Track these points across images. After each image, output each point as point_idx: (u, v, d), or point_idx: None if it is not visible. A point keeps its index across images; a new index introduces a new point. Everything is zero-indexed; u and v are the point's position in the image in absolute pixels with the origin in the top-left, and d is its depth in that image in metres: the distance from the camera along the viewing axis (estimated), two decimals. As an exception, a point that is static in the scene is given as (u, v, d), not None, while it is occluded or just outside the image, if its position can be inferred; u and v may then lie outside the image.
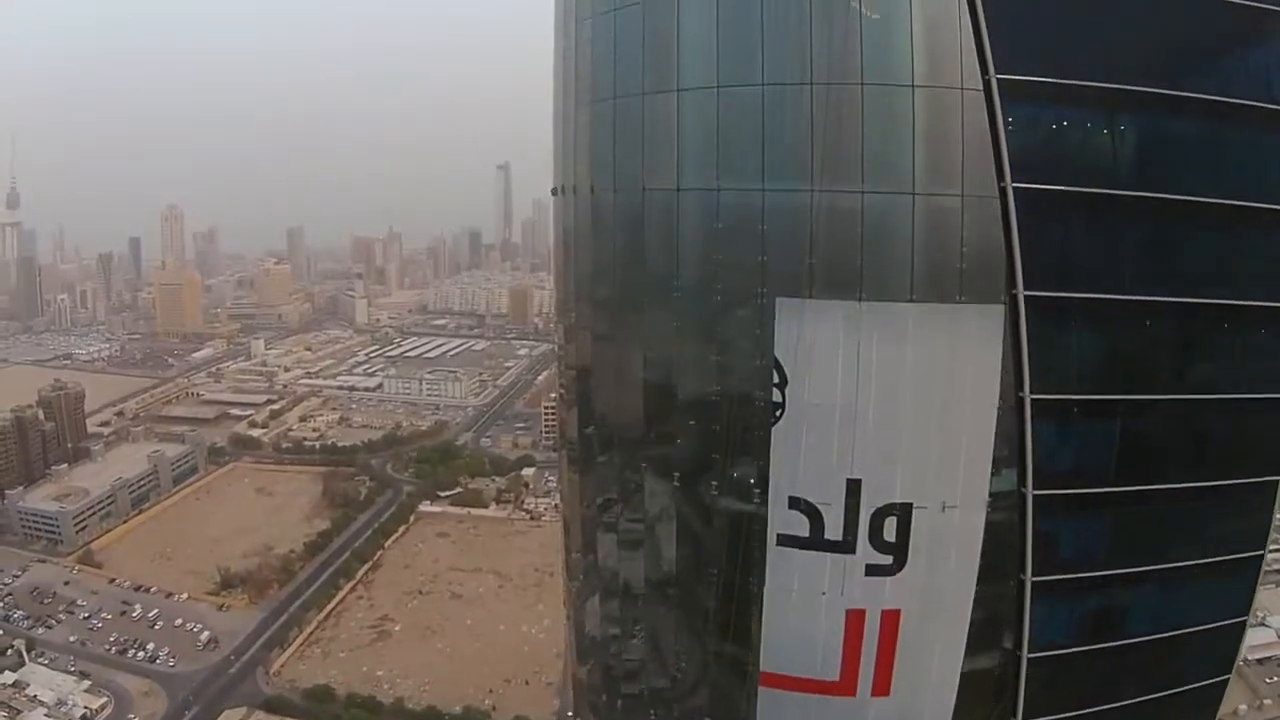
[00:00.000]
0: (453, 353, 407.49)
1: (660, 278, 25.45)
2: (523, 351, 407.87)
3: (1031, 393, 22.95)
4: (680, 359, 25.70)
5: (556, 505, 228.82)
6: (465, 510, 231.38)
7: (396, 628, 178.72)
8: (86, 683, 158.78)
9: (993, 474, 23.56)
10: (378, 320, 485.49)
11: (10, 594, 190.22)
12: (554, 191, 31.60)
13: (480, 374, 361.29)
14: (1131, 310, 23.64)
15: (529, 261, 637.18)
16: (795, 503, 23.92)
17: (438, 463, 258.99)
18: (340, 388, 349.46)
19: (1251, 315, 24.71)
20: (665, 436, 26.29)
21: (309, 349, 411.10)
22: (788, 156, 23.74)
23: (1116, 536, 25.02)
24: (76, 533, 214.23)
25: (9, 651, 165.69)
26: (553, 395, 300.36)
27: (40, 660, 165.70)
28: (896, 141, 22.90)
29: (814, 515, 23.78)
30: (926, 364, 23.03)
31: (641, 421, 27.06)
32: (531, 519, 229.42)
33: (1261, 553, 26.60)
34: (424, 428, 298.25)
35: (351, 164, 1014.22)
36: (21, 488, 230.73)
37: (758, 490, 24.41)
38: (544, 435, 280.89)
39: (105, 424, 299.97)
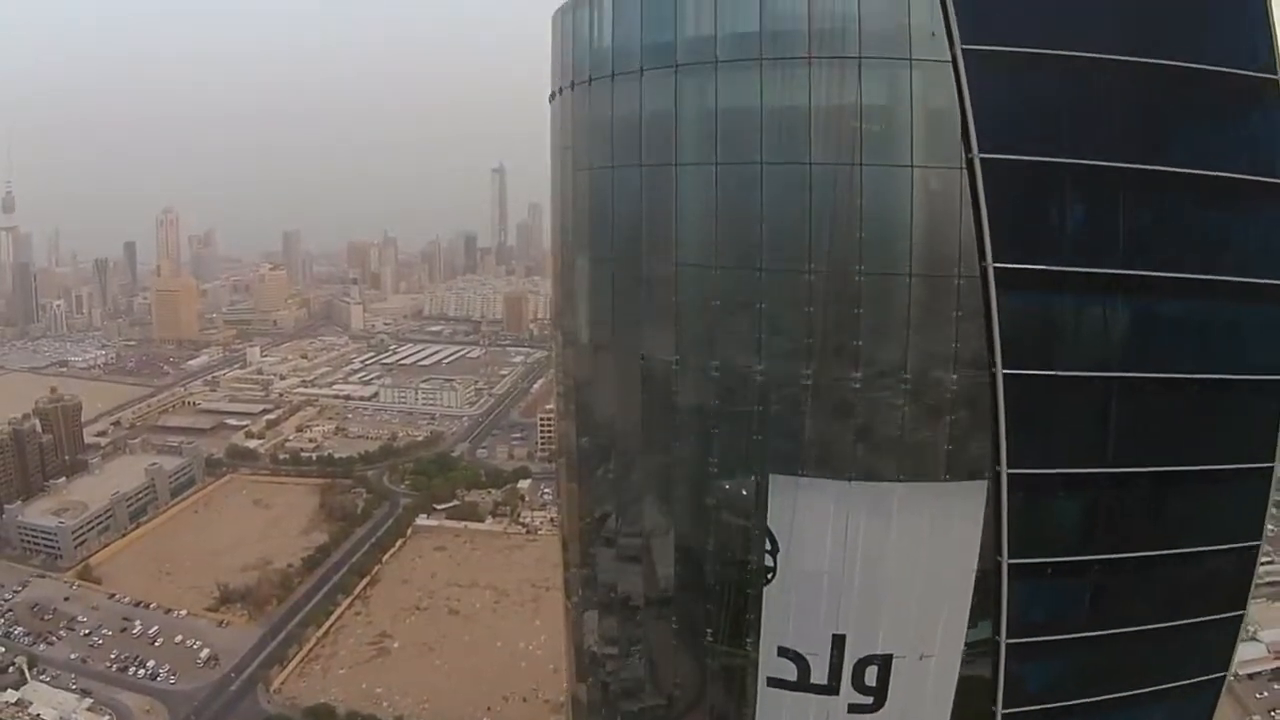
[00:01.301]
0: (448, 360, 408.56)
1: (659, 447, 27.49)
2: (518, 359, 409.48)
3: (1010, 558, 24.60)
4: (678, 525, 27.82)
5: (553, 519, 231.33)
6: (462, 524, 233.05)
7: (395, 644, 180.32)
8: (89, 700, 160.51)
9: (969, 625, 25.48)
10: (373, 326, 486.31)
11: (10, 610, 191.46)
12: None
13: (476, 382, 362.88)
14: (1111, 481, 25.38)
15: (524, 265, 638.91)
16: (784, 651, 26.05)
17: (434, 475, 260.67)
18: (336, 396, 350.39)
19: (1216, 476, 26.53)
20: (662, 592, 28.37)
21: (305, 356, 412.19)
22: (785, 340, 25.61)
23: (1082, 673, 26.83)
24: (75, 547, 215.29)
25: (10, 669, 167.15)
26: (548, 407, 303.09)
27: (42, 678, 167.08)
28: (892, 329, 24.72)
29: (801, 663, 25.90)
30: (911, 537, 24.91)
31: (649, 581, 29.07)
32: (528, 533, 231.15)
33: (1223, 674, 28.34)
34: (420, 438, 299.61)
35: (347, 165, 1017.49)
36: (20, 501, 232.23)
37: (750, 639, 26.45)
38: (539, 446, 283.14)
39: (102, 434, 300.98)
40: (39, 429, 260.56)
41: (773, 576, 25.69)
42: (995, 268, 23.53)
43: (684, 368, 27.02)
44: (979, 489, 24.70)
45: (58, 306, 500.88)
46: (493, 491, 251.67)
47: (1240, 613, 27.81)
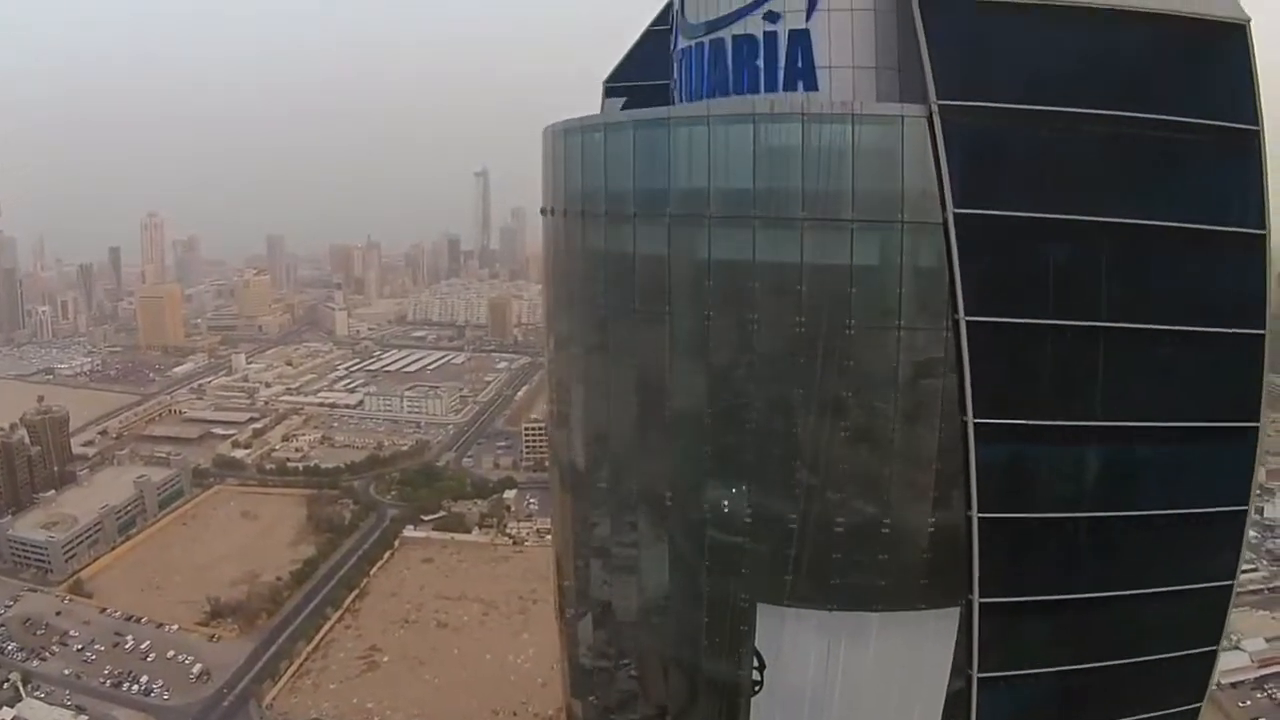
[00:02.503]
0: (432, 366, 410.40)
1: (654, 577, 31.00)
2: (502, 365, 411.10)
3: (979, 672, 27.79)
4: (673, 639, 31.30)
5: (539, 530, 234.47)
6: (449, 535, 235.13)
7: (385, 658, 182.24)
8: (84, 717, 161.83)
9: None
10: (358, 331, 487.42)
11: (3, 625, 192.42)
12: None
13: (460, 389, 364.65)
14: (1078, 603, 28.68)
15: (508, 268, 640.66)
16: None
17: (420, 485, 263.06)
18: (322, 404, 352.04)
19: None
20: (658, 701, 31.83)
21: (290, 363, 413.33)
22: (774, 486, 28.64)
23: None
24: (66, 561, 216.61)
25: (4, 685, 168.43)
26: (533, 416, 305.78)
27: (36, 694, 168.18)
28: (875, 478, 27.79)
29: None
30: (888, 660, 28.27)
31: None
32: (514, 544, 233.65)
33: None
34: (405, 448, 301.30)
35: (330, 168, 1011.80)
36: (10, 515, 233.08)
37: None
38: (524, 455, 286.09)
39: (89, 444, 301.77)
40: (28, 441, 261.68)
41: (759, 688, 28.98)
42: (976, 423, 26.32)
43: (677, 505, 30.17)
44: (952, 615, 27.65)
45: (43, 313, 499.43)
46: (479, 502, 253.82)
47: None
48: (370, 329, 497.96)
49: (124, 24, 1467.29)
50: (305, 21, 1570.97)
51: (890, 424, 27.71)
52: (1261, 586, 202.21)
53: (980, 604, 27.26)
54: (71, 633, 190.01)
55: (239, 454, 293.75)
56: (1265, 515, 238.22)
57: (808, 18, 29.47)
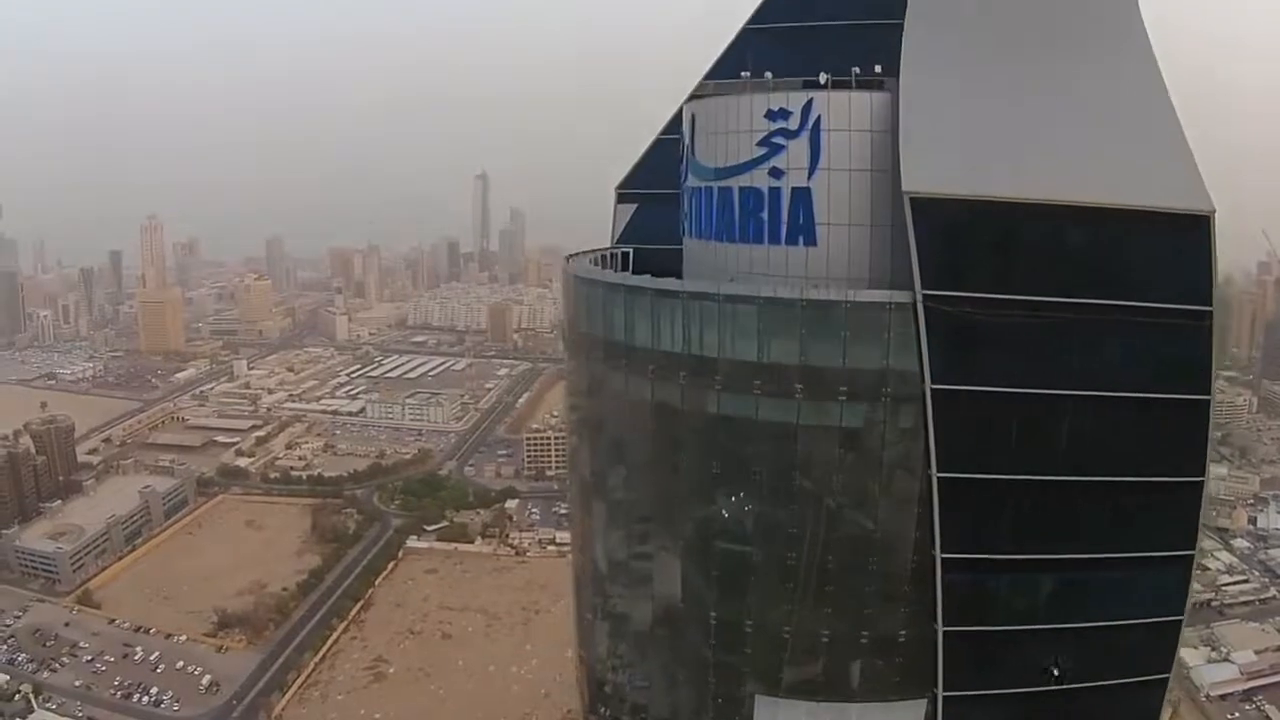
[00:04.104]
0: (433, 373, 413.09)
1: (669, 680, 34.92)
2: (502, 371, 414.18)
3: None
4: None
5: (540, 540, 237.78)
6: (452, 546, 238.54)
7: (391, 669, 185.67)
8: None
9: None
10: (358, 336, 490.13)
11: (13, 636, 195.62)
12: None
13: (461, 396, 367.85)
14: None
15: (507, 271, 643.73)
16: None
17: (423, 494, 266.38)
18: (324, 412, 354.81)
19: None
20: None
21: (291, 369, 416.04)
22: (771, 608, 33.31)
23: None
24: (74, 572, 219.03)
25: (16, 697, 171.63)
26: (534, 426, 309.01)
27: (48, 705, 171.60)
28: (860, 605, 32.62)
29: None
30: None
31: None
32: (516, 554, 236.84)
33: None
34: (408, 456, 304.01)
35: (328, 170, 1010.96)
36: (16, 525, 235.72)
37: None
38: (525, 465, 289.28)
39: (93, 452, 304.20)
40: (33, 451, 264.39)
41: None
42: (943, 558, 30.79)
43: (689, 615, 35.27)
44: (920, 705, 32.35)
45: (44, 317, 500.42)
46: (481, 512, 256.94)
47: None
48: (371, 333, 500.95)
49: (120, 25, 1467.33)
50: (305, 23, 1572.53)
51: (870, 555, 32.30)
52: (1253, 598, 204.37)
53: (943, 696, 31.90)
54: (81, 644, 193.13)
55: (242, 462, 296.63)
56: (1259, 525, 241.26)
57: (809, 176, 32.92)
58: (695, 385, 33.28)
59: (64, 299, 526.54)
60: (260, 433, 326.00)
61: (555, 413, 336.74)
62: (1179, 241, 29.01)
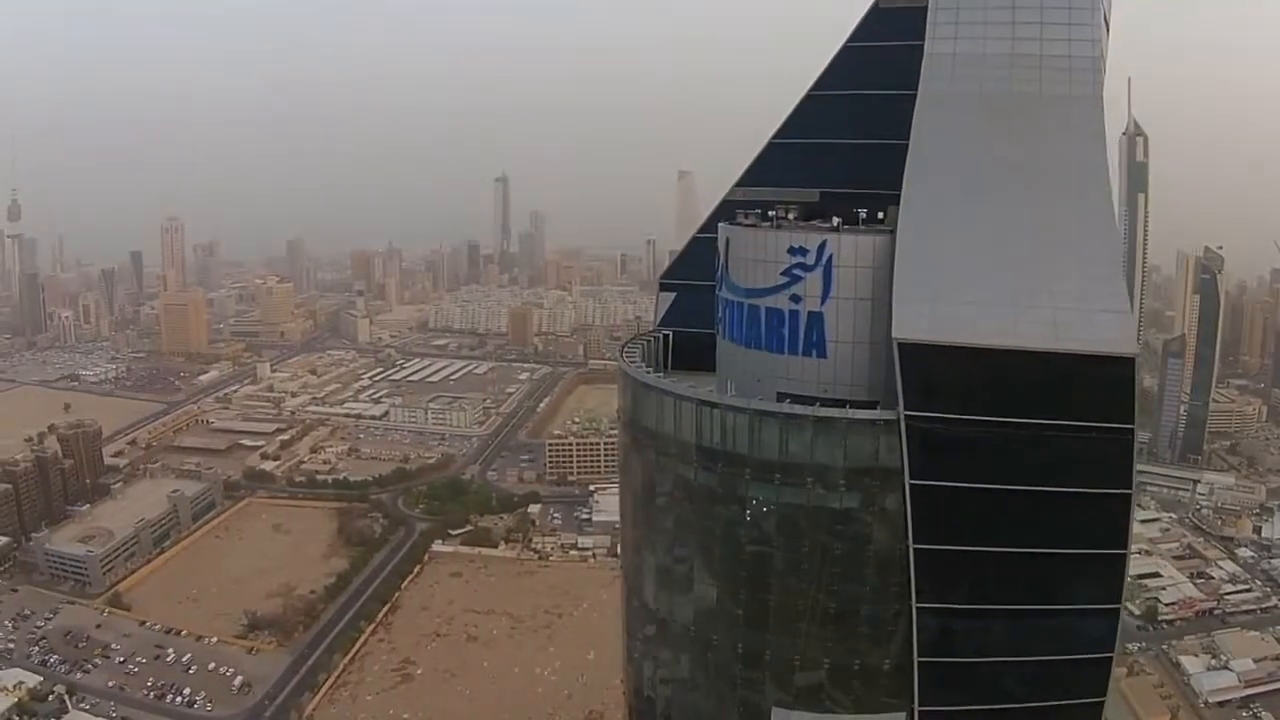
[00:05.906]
0: (455, 376, 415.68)
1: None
2: (523, 375, 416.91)
3: None
4: None
5: (563, 545, 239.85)
6: (476, 550, 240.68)
7: (418, 671, 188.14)
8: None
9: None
10: (380, 339, 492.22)
11: (45, 637, 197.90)
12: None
13: (484, 400, 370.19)
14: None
15: (527, 274, 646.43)
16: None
17: (447, 499, 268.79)
18: (348, 415, 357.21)
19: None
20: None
21: (314, 372, 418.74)
22: (786, 642, 42.92)
23: None
24: (104, 574, 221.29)
25: (50, 698, 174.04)
26: (555, 432, 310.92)
27: (82, 706, 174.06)
28: (851, 628, 42.21)
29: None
30: None
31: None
32: (540, 558, 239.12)
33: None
34: (431, 460, 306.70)
35: (349, 171, 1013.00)
36: (46, 528, 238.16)
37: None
38: (547, 469, 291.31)
39: (119, 454, 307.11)
40: (60, 454, 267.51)
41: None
42: (918, 606, 40.03)
43: (721, 644, 45.36)
44: (900, 718, 41.98)
45: (66, 317, 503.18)
46: (504, 517, 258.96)
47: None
48: (392, 336, 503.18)
49: (143, 26, 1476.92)
50: (327, 26, 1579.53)
51: (861, 603, 41.44)
52: (1255, 607, 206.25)
53: (919, 711, 41.28)
54: (113, 645, 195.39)
55: (268, 466, 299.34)
56: (1264, 535, 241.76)
57: (822, 303, 41.12)
58: (728, 474, 42.52)
59: (84, 298, 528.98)
60: (284, 436, 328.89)
61: (576, 419, 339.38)
62: (1108, 374, 36.67)
